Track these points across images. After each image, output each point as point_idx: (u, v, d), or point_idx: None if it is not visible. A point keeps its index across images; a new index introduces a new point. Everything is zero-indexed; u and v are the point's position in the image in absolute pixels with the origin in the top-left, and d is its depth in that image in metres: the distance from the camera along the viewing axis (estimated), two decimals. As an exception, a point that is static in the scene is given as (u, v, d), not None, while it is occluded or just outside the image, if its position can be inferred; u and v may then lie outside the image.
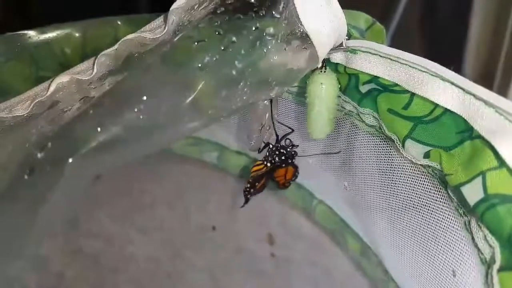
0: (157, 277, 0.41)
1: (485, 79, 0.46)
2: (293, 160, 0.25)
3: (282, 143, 0.25)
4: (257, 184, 0.26)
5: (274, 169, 0.25)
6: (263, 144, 0.25)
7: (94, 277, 0.41)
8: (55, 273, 0.40)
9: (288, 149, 0.25)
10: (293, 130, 0.25)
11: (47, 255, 0.40)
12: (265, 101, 0.21)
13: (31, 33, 0.25)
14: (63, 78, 0.20)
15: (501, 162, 0.15)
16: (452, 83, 0.17)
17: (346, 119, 0.24)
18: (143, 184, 0.41)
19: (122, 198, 0.42)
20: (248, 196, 0.26)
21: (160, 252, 0.41)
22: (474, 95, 0.16)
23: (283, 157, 0.25)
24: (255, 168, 0.25)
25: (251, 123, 0.24)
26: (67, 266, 0.41)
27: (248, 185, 0.25)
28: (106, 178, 0.38)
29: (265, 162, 0.25)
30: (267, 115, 0.23)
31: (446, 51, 0.48)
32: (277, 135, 0.25)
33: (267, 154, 0.25)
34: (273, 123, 0.24)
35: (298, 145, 0.25)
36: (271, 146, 0.25)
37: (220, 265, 0.40)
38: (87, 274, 0.41)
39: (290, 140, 0.25)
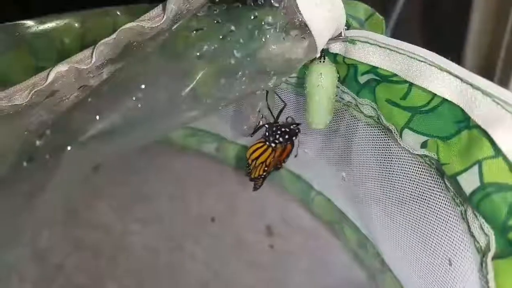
0: (156, 268, 0.41)
1: (486, 72, 0.46)
2: (296, 138, 0.25)
3: (281, 122, 0.25)
4: (266, 168, 0.26)
5: (282, 150, 0.26)
6: (257, 127, 0.25)
7: (93, 268, 0.41)
8: (54, 264, 0.41)
9: (292, 127, 0.25)
10: (286, 104, 0.25)
11: (47, 246, 0.40)
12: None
13: (30, 23, 0.25)
14: (62, 67, 0.20)
15: (497, 151, 0.15)
16: (450, 73, 0.17)
17: (345, 110, 0.24)
18: (142, 175, 0.41)
19: (121, 189, 0.42)
20: (258, 182, 0.26)
21: (159, 243, 0.41)
22: (471, 85, 0.16)
23: (287, 136, 0.25)
24: (254, 147, 0.26)
25: (245, 108, 0.24)
26: (67, 257, 0.41)
27: (264, 173, 0.26)
28: (106, 169, 0.38)
29: (267, 143, 0.25)
30: (262, 101, 0.23)
31: (447, 44, 0.48)
32: (274, 117, 0.25)
33: (267, 134, 0.25)
34: (269, 109, 0.24)
35: (300, 123, 0.25)
36: (267, 126, 0.25)
37: (218, 257, 0.40)
38: (87, 265, 0.41)
39: (292, 118, 0.25)
